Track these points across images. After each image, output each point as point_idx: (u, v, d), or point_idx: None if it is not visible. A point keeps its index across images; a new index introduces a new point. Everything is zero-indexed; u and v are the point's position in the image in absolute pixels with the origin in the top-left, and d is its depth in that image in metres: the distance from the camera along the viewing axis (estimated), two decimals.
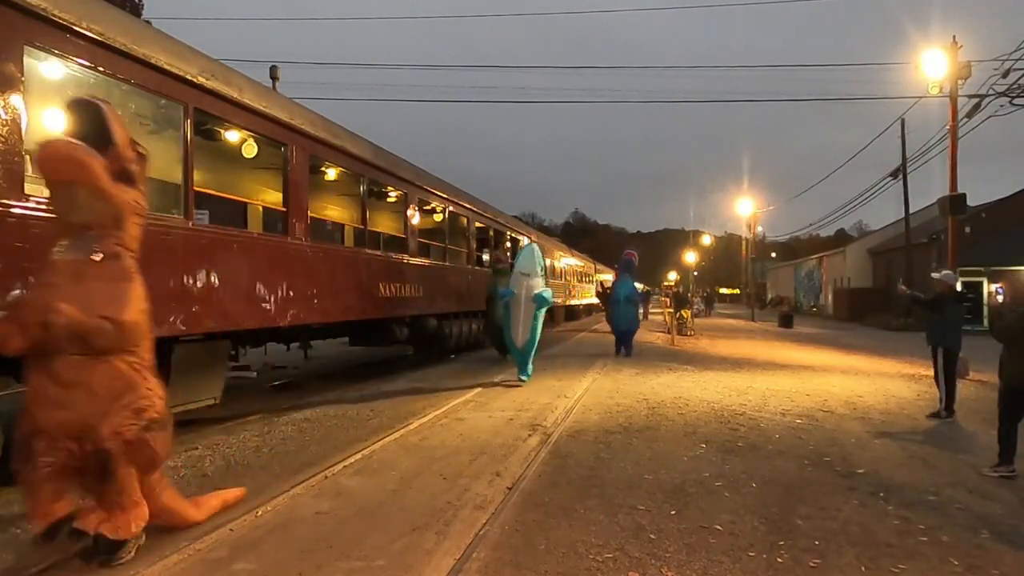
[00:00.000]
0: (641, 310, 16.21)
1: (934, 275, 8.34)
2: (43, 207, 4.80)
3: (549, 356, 13.87)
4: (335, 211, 12.37)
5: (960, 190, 12.96)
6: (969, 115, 14.88)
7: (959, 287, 8.79)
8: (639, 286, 18.38)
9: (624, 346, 14.21)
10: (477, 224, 15.99)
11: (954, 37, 13.08)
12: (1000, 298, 26.37)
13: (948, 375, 7.71)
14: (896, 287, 9.14)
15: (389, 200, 12.18)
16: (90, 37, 5.11)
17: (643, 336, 17.67)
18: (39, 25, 4.74)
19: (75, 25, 4.97)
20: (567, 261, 29.87)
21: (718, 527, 3.92)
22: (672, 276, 69.72)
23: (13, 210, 4.54)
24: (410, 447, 5.81)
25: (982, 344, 9.23)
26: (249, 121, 7.19)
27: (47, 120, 5.76)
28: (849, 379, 10.87)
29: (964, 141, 13.96)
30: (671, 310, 22.18)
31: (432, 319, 12.56)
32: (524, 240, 21.47)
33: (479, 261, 16.37)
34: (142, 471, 3.48)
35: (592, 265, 37.70)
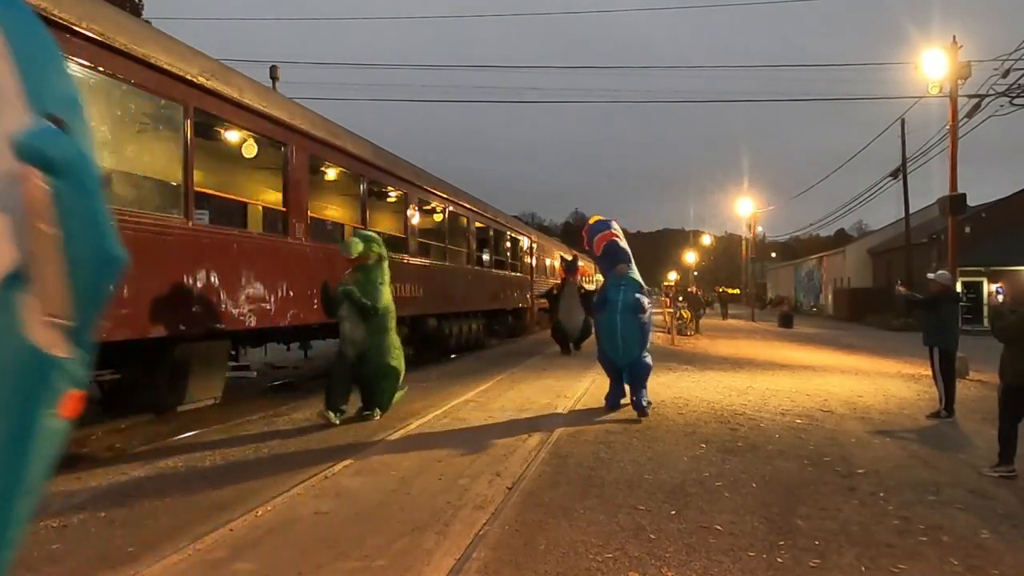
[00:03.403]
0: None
1: (930, 275, 8.35)
2: None
3: (549, 356, 13.86)
4: (335, 211, 12.38)
5: (960, 190, 12.96)
6: (969, 115, 14.89)
7: (959, 287, 8.83)
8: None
9: (635, 392, 7.39)
10: (477, 224, 16.01)
11: (954, 37, 13.08)
12: (1000, 298, 26.38)
13: (946, 375, 7.71)
14: (895, 288, 9.11)
15: (389, 200, 12.20)
16: (90, 37, 5.11)
17: None
18: None
19: (75, 25, 4.98)
20: None
21: (718, 527, 3.92)
22: (672, 276, 69.72)
23: None
24: (410, 447, 5.81)
25: (982, 344, 9.24)
26: (249, 121, 7.19)
27: None
28: (849, 379, 10.86)
29: (964, 141, 13.98)
30: (671, 310, 22.09)
31: (432, 319, 12.57)
32: (524, 242, 21.45)
33: (479, 261, 16.38)
34: None
35: (592, 265, 37.70)
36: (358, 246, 6.91)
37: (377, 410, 7.03)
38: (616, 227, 8.05)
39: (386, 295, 7.22)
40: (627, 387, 7.62)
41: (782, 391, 9.31)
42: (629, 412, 7.39)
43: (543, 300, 17.59)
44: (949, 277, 8.45)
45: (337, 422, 6.63)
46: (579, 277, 15.11)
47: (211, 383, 7.13)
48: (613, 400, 7.68)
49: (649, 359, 7.73)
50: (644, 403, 7.32)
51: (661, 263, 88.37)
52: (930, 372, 8.07)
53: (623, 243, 7.89)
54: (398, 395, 7.46)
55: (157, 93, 5.98)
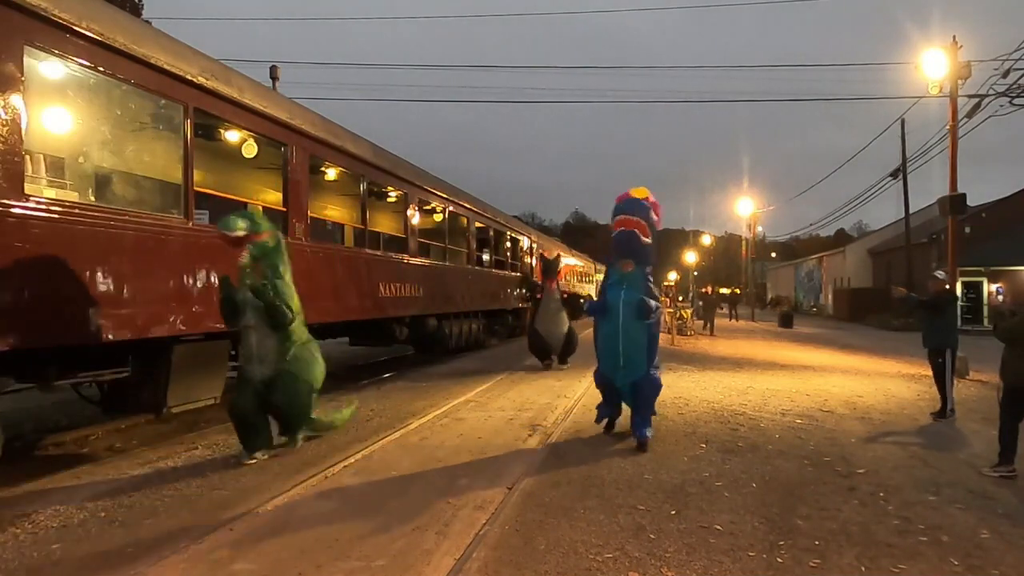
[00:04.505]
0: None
1: (938, 274, 8.26)
2: (43, 207, 4.81)
3: None
4: (335, 211, 12.38)
5: (960, 190, 12.97)
6: (969, 115, 14.87)
7: (959, 287, 8.82)
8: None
9: (638, 415, 6.11)
10: (477, 224, 16.00)
11: (954, 37, 13.08)
12: (1000, 298, 26.38)
13: (951, 374, 7.75)
14: (894, 291, 8.93)
15: (389, 200, 12.19)
16: (90, 37, 5.11)
17: None
18: (39, 25, 4.74)
19: (75, 25, 4.98)
20: (567, 261, 29.86)
21: (718, 527, 3.92)
22: (672, 276, 69.69)
23: (13, 210, 4.54)
24: (410, 447, 5.81)
25: (982, 344, 9.23)
26: (249, 121, 7.19)
27: (47, 120, 5.77)
28: (849, 379, 10.86)
29: (964, 141, 13.98)
30: (671, 309, 22.03)
31: (432, 319, 12.57)
32: (524, 242, 21.42)
33: (479, 261, 16.38)
34: None
35: (592, 265, 37.72)
36: (238, 222, 5.31)
37: (300, 435, 5.72)
38: (654, 217, 6.29)
39: (293, 291, 5.64)
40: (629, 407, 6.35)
41: (782, 391, 9.31)
42: (628, 413, 6.65)
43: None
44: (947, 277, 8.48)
45: (265, 457, 5.40)
46: (559, 282, 12.04)
47: (211, 383, 7.13)
48: (605, 414, 6.35)
49: (658, 376, 6.36)
50: (646, 432, 5.96)
51: (661, 263, 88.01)
52: (931, 373, 8.04)
53: (645, 239, 6.18)
54: (348, 412, 6.49)
55: (157, 93, 5.98)
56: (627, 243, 6.17)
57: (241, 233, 5.29)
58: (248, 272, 5.42)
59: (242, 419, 5.41)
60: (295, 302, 5.59)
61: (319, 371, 5.81)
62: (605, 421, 6.49)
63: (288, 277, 5.61)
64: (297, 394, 5.53)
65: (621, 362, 6.09)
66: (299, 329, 5.69)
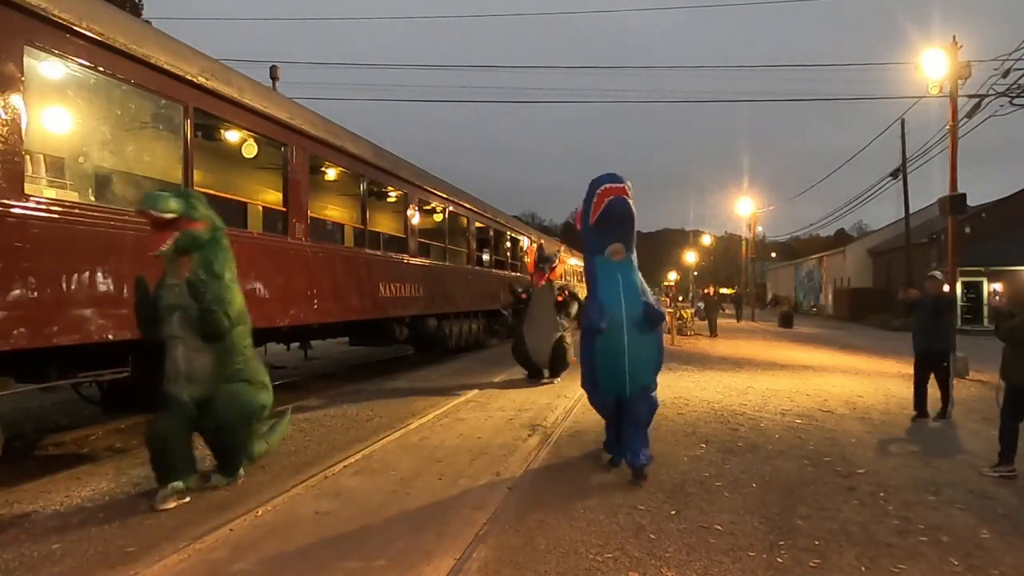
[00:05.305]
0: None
1: (935, 275, 8.19)
2: (43, 207, 4.80)
3: None
4: (335, 211, 12.38)
5: (960, 190, 12.96)
6: (969, 115, 14.85)
7: (959, 287, 8.78)
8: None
9: (631, 443, 4.98)
10: (477, 224, 16.01)
11: (954, 37, 13.07)
12: (997, 298, 26.38)
13: (952, 376, 7.79)
14: (902, 294, 8.62)
15: (389, 200, 12.19)
16: (90, 37, 5.11)
17: None
18: (39, 25, 4.74)
19: (75, 25, 4.98)
20: (570, 262, 29.81)
21: (718, 527, 3.92)
22: (672, 276, 69.70)
23: (13, 210, 4.54)
24: (410, 447, 5.81)
25: (982, 344, 9.22)
26: (249, 121, 7.19)
27: (47, 120, 5.77)
28: (849, 379, 10.86)
29: (964, 141, 13.96)
30: (671, 309, 22.00)
31: (432, 319, 12.58)
32: (524, 242, 21.42)
33: (479, 261, 16.38)
34: None
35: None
36: (170, 202, 4.28)
37: (240, 473, 4.70)
38: (630, 187, 5.14)
39: (237, 297, 4.68)
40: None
41: (782, 391, 9.31)
42: None
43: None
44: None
45: (186, 497, 4.30)
46: (554, 280, 10.09)
47: None
48: (615, 456, 5.25)
49: (655, 394, 5.24)
50: (643, 458, 4.92)
51: (661, 263, 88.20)
52: (912, 373, 7.98)
53: (625, 204, 5.04)
54: (278, 435, 5.36)
55: (157, 93, 5.98)
56: (624, 214, 5.01)
57: (170, 216, 4.28)
58: (172, 269, 4.49)
59: (161, 445, 4.30)
60: (236, 307, 4.59)
61: (264, 398, 4.80)
62: (613, 457, 5.24)
63: (229, 277, 4.67)
64: (236, 421, 4.54)
65: (627, 378, 4.96)
66: (241, 341, 4.71)
